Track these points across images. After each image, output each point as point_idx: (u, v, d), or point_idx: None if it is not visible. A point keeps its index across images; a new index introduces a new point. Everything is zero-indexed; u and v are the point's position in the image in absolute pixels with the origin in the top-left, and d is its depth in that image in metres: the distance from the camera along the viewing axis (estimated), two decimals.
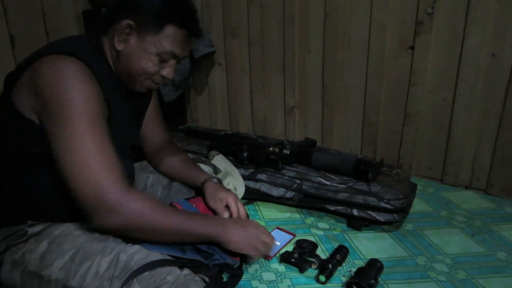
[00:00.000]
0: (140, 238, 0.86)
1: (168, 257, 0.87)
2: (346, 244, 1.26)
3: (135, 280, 0.78)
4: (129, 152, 1.14)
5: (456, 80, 1.57)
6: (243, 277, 1.06)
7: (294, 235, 1.31)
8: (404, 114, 1.72)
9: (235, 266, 1.04)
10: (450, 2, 1.51)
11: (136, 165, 1.22)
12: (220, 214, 1.10)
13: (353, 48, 1.76)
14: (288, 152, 1.62)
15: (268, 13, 1.94)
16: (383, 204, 1.33)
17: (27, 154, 0.86)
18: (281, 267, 1.17)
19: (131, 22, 0.91)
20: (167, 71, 0.98)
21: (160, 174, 1.25)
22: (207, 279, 0.87)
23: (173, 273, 0.81)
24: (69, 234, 0.87)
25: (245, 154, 1.62)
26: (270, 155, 1.60)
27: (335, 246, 1.22)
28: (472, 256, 1.22)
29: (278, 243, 1.27)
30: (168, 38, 0.93)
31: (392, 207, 1.32)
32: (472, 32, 1.49)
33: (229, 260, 1.01)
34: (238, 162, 1.62)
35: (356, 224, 1.36)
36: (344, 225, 1.39)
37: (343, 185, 1.45)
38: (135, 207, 0.82)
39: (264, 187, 1.51)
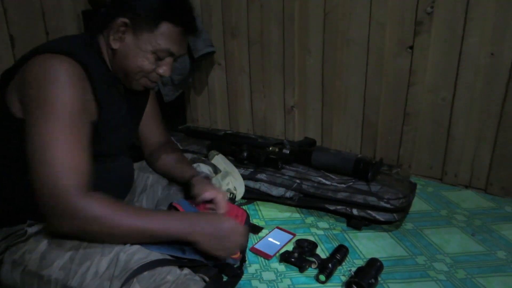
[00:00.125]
0: (100, 242, 0.83)
1: (168, 257, 0.86)
2: (346, 244, 1.26)
3: (135, 279, 0.78)
4: (128, 151, 1.13)
5: (456, 79, 1.58)
6: (243, 276, 1.07)
7: (294, 235, 1.31)
8: (403, 113, 1.72)
9: (235, 266, 1.04)
10: (449, 2, 1.51)
11: (136, 165, 1.21)
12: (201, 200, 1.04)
13: (353, 47, 1.76)
14: (287, 151, 1.62)
15: (268, 13, 1.94)
16: (383, 204, 1.33)
17: (25, 153, 0.86)
18: (281, 267, 1.17)
19: (126, 20, 0.90)
20: (164, 69, 0.97)
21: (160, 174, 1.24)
22: (207, 279, 0.87)
23: (173, 273, 0.81)
24: None
25: (245, 154, 1.62)
26: (270, 154, 1.60)
27: (335, 246, 1.22)
28: (471, 255, 1.22)
29: (278, 243, 1.27)
30: (163, 36, 0.92)
31: (392, 207, 1.32)
32: (471, 31, 1.50)
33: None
34: (238, 162, 1.62)
35: (356, 223, 1.36)
36: (344, 225, 1.39)
37: (343, 185, 1.45)
38: (92, 211, 0.79)
39: (264, 187, 1.51)
